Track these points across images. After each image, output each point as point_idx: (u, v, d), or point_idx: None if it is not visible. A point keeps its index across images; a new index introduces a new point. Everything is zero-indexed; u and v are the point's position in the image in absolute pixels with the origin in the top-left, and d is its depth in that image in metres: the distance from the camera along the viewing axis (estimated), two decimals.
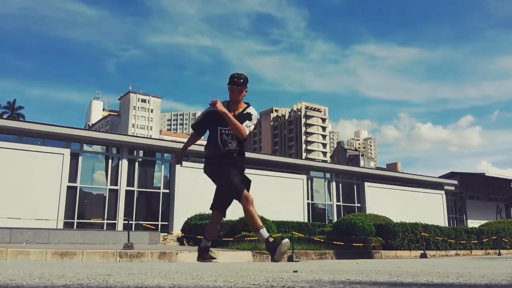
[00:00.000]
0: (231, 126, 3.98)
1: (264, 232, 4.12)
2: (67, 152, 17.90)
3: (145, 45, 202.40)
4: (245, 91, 4.15)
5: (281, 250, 4.03)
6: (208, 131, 4.28)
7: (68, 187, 17.70)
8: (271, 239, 4.10)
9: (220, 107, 3.94)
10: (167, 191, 20.13)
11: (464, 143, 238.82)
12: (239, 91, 4.09)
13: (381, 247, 13.84)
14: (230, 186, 4.11)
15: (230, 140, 4.10)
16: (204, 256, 4.45)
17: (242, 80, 4.10)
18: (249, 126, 4.10)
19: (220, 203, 4.30)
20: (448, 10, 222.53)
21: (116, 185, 19.14)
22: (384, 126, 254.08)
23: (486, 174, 33.87)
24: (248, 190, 4.14)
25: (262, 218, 14.70)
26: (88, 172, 18.96)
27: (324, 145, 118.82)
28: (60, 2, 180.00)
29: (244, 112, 4.12)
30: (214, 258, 4.56)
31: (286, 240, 4.12)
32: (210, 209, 4.34)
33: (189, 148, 4.62)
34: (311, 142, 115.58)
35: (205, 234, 4.53)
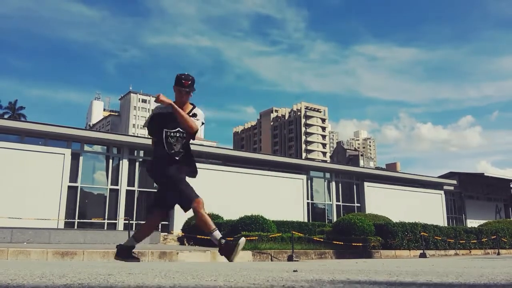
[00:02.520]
0: (180, 119, 3.90)
1: (217, 234, 4.02)
2: (68, 152, 17.91)
3: (145, 46, 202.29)
4: (191, 92, 4.07)
5: (237, 250, 3.98)
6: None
7: (69, 187, 17.72)
8: (223, 241, 4.01)
9: (166, 99, 3.89)
10: None
11: (464, 143, 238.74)
12: (186, 93, 4.01)
13: (381, 246, 13.86)
14: (181, 195, 3.95)
15: (175, 143, 3.99)
16: (124, 255, 4.33)
17: (190, 82, 4.01)
18: (198, 120, 4.02)
19: (162, 205, 4.18)
20: (447, 11, 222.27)
21: (117, 185, 19.15)
22: (384, 126, 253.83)
23: (485, 174, 33.89)
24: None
25: (262, 218, 14.74)
26: (89, 172, 18.98)
27: (324, 145, 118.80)
28: (60, 2, 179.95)
29: (191, 114, 4.04)
30: (138, 259, 4.41)
31: (243, 239, 4.06)
32: (148, 210, 4.30)
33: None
34: (311, 142, 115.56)
35: (136, 234, 4.40)
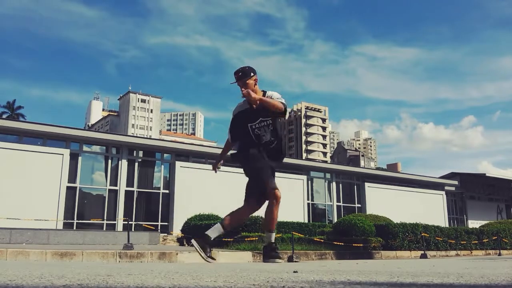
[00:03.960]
0: (268, 105, 3.89)
1: (273, 237, 4.28)
2: (66, 152, 17.89)
3: (145, 46, 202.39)
4: (254, 80, 4.06)
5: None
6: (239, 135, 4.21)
7: (68, 187, 17.70)
8: (274, 245, 4.27)
9: (254, 95, 3.85)
10: (167, 191, 20.12)
11: (465, 144, 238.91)
12: (243, 84, 4.00)
13: (381, 247, 13.84)
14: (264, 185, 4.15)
15: (263, 133, 4.04)
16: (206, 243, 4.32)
17: (240, 73, 4.03)
18: (279, 99, 4.03)
19: (257, 193, 4.37)
20: (447, 11, 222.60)
21: (116, 185, 19.14)
22: (385, 126, 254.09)
23: (487, 175, 33.87)
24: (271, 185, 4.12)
25: (262, 218, 14.72)
26: (88, 172, 18.96)
27: (324, 145, 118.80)
28: (59, 2, 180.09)
29: (266, 96, 4.04)
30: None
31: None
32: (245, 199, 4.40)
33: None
34: (311, 143, 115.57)
35: (224, 221, 4.59)
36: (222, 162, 4.36)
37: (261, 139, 4.01)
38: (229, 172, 21.48)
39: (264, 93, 4.09)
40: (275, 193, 4.05)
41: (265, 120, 4.02)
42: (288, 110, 4.09)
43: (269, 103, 3.89)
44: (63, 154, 17.71)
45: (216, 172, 4.43)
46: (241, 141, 4.13)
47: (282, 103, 3.96)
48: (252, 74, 4.05)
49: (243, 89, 3.90)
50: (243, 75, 4.01)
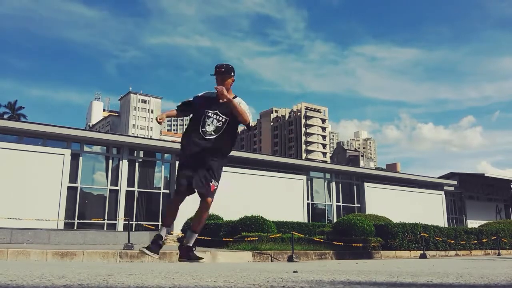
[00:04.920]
0: (235, 110, 3.93)
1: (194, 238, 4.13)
2: (67, 152, 17.89)
3: (145, 46, 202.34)
4: (232, 80, 4.10)
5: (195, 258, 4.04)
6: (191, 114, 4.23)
7: (69, 187, 17.70)
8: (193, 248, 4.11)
9: (227, 94, 3.88)
10: (168, 191, 20.13)
11: (465, 144, 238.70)
12: (222, 80, 4.03)
13: (381, 247, 13.85)
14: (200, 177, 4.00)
15: (209, 123, 4.01)
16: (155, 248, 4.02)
17: (223, 69, 4.06)
18: (247, 111, 4.08)
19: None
20: (447, 11, 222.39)
21: (117, 185, 19.14)
22: (385, 126, 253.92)
23: (486, 175, 33.85)
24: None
25: (262, 219, 14.70)
26: (89, 172, 18.96)
27: (324, 145, 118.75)
28: (59, 3, 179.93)
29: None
30: (200, 258, 4.31)
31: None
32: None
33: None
34: (311, 143, 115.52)
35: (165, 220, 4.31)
36: (164, 117, 4.23)
37: (203, 126, 4.01)
38: (229, 172, 21.50)
39: (235, 97, 4.10)
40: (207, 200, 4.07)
41: (221, 116, 4.02)
42: (253, 125, 4.05)
43: (238, 109, 3.93)
44: (64, 154, 17.71)
45: (159, 123, 4.28)
46: (189, 125, 4.16)
47: (249, 118, 4.04)
48: (232, 73, 4.11)
49: (218, 86, 3.93)
50: (226, 71, 4.06)
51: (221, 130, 4.02)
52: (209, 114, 4.02)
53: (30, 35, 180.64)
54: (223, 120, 4.03)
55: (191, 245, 4.07)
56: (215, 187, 4.07)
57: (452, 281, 2.30)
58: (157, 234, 4.12)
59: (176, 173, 4.21)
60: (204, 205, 4.11)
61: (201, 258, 4.14)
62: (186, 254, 4.01)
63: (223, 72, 4.03)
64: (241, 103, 4.06)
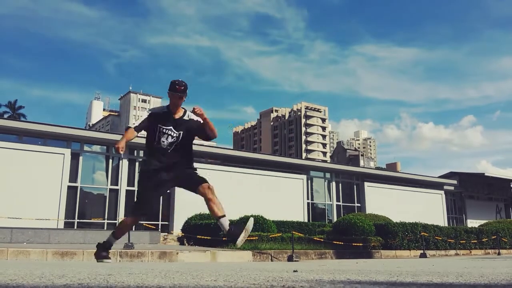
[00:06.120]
0: (208, 128, 4.35)
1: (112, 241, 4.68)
2: (67, 152, 17.90)
3: (145, 46, 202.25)
4: (185, 97, 4.40)
5: (245, 233, 4.32)
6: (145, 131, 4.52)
7: (69, 187, 17.71)
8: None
9: (203, 113, 4.28)
10: (167, 191, 20.15)
11: (465, 143, 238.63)
12: (180, 98, 4.33)
13: (381, 247, 13.85)
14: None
15: (164, 139, 4.33)
16: (101, 255, 4.74)
17: (183, 88, 4.32)
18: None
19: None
20: (447, 10, 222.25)
21: (117, 185, 19.15)
22: (385, 126, 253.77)
23: (486, 174, 33.87)
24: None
25: (262, 218, 14.71)
26: (89, 172, 18.97)
27: (324, 145, 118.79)
28: (59, 2, 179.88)
29: (187, 118, 4.40)
30: (109, 259, 4.86)
31: (251, 219, 4.44)
32: (136, 215, 4.57)
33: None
34: (311, 142, 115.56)
35: (117, 233, 4.79)
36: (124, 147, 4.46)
37: (160, 143, 4.32)
38: (229, 172, 21.52)
39: (185, 110, 4.47)
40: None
41: (173, 131, 4.35)
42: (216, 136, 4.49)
43: (211, 126, 4.37)
44: (64, 154, 17.72)
45: (121, 154, 4.66)
46: (146, 138, 4.49)
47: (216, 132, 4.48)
48: (186, 93, 4.40)
49: (196, 106, 4.25)
50: (184, 90, 4.35)
51: (176, 145, 4.34)
52: (164, 130, 4.33)
53: (30, 34, 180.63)
54: (176, 135, 4.35)
55: (228, 228, 4.34)
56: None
57: (452, 281, 2.30)
58: (107, 242, 4.79)
59: (142, 188, 4.47)
60: (210, 191, 4.38)
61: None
62: (232, 237, 4.34)
63: (183, 91, 4.32)
64: (198, 118, 4.36)
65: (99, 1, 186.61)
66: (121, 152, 4.35)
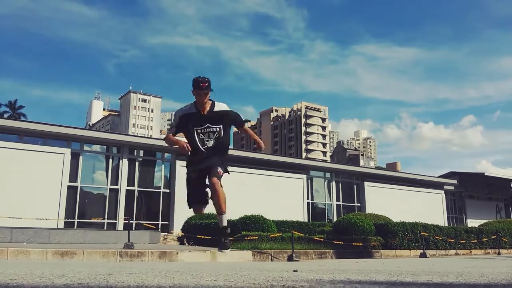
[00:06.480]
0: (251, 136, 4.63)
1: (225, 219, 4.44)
2: (67, 151, 17.90)
3: (145, 46, 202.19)
4: (210, 92, 4.39)
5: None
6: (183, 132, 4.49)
7: (69, 186, 17.71)
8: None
9: (263, 144, 4.49)
10: (168, 190, 20.14)
11: (465, 143, 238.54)
12: (205, 94, 4.29)
13: (381, 246, 13.85)
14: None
15: (207, 138, 4.34)
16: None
17: (207, 84, 4.29)
18: (227, 109, 4.47)
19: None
20: (447, 10, 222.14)
21: (117, 184, 19.15)
22: (385, 126, 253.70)
23: (486, 174, 33.86)
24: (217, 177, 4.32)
25: (262, 218, 14.71)
26: (89, 171, 18.96)
27: (324, 144, 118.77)
28: (59, 2, 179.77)
29: (217, 110, 4.37)
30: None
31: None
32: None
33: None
34: (311, 142, 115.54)
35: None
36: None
37: (204, 144, 4.33)
38: (229, 171, 21.50)
39: (213, 102, 4.40)
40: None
41: (212, 127, 4.34)
42: (248, 121, 4.49)
43: (255, 137, 4.62)
44: (64, 154, 17.71)
45: (188, 150, 4.48)
46: (187, 142, 4.45)
47: (244, 121, 4.61)
48: (211, 88, 4.35)
49: (261, 142, 4.48)
50: (209, 86, 4.30)
51: (219, 139, 4.36)
52: (201, 131, 4.32)
53: (30, 34, 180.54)
54: (217, 129, 4.35)
55: (225, 224, 4.37)
56: (221, 173, 4.35)
57: (452, 280, 2.30)
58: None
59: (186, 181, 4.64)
60: (212, 186, 4.28)
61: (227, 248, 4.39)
62: (221, 243, 4.35)
63: (207, 88, 4.27)
64: (221, 107, 4.39)
65: (99, 1, 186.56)
66: (189, 150, 4.37)
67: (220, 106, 4.41)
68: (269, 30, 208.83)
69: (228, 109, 4.43)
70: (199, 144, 4.31)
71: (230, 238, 4.41)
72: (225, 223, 4.36)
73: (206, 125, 4.31)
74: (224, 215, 4.36)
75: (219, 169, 4.30)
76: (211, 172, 4.25)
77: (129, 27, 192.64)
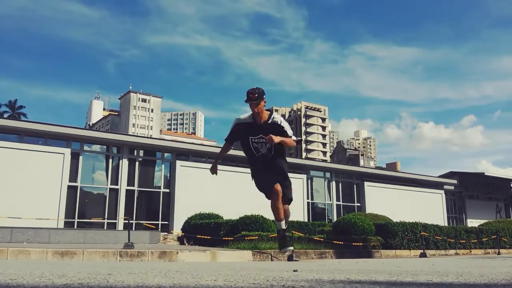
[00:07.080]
0: (285, 145, 4.51)
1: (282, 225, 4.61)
2: (67, 151, 17.90)
3: (145, 45, 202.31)
4: (264, 102, 4.47)
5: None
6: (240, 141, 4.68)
7: (69, 186, 17.71)
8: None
9: (276, 139, 4.32)
10: (168, 190, 20.14)
11: (465, 143, 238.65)
12: (256, 105, 4.40)
13: (381, 246, 13.85)
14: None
15: (261, 147, 4.50)
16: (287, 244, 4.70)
17: (257, 95, 4.39)
18: (291, 136, 4.54)
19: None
20: (447, 10, 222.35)
21: (117, 184, 19.14)
22: (386, 125, 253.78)
23: (486, 174, 33.83)
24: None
25: (262, 218, 14.70)
26: (89, 171, 18.96)
27: (324, 144, 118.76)
28: (59, 2, 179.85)
29: (271, 122, 4.48)
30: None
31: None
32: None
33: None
34: (311, 142, 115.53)
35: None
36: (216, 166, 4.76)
37: (258, 151, 4.53)
38: (229, 171, 21.49)
39: (271, 113, 4.53)
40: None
41: (265, 138, 4.42)
42: (298, 139, 4.50)
43: (287, 144, 4.50)
44: (64, 154, 17.71)
45: (216, 174, 4.78)
46: (243, 149, 4.65)
47: (294, 140, 4.58)
48: (263, 96, 4.47)
49: (266, 137, 4.33)
50: (259, 97, 4.40)
51: (271, 150, 4.51)
52: (255, 140, 4.50)
53: (30, 34, 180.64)
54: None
55: (284, 227, 4.60)
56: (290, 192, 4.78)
57: (452, 280, 2.30)
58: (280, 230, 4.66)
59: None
60: (273, 196, 4.55)
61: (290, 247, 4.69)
62: (281, 243, 4.58)
63: (257, 98, 4.38)
64: (277, 121, 4.50)
65: (99, 1, 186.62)
66: (216, 173, 4.68)
67: (275, 118, 4.53)
68: (269, 30, 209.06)
69: (281, 122, 4.51)
70: (254, 152, 4.52)
71: (287, 239, 4.69)
72: (283, 227, 4.59)
73: (259, 136, 4.46)
74: (281, 222, 4.57)
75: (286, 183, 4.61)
76: (276, 179, 4.48)
77: (129, 27, 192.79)
